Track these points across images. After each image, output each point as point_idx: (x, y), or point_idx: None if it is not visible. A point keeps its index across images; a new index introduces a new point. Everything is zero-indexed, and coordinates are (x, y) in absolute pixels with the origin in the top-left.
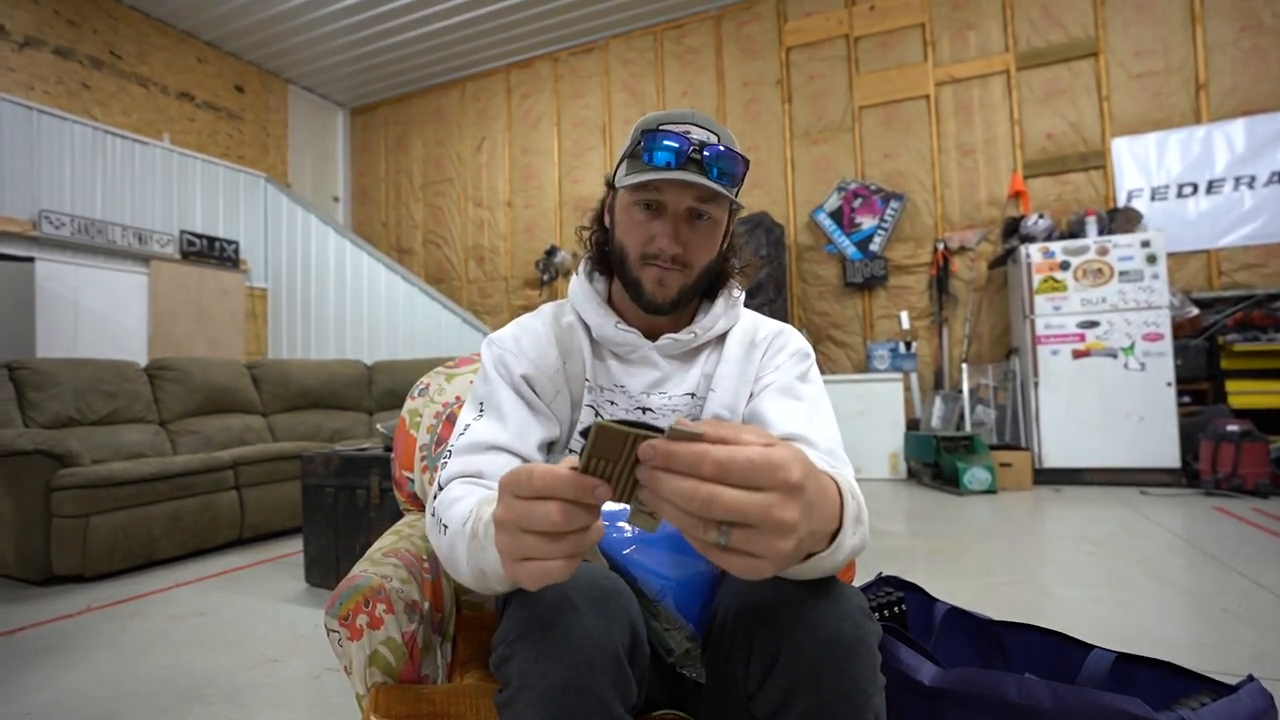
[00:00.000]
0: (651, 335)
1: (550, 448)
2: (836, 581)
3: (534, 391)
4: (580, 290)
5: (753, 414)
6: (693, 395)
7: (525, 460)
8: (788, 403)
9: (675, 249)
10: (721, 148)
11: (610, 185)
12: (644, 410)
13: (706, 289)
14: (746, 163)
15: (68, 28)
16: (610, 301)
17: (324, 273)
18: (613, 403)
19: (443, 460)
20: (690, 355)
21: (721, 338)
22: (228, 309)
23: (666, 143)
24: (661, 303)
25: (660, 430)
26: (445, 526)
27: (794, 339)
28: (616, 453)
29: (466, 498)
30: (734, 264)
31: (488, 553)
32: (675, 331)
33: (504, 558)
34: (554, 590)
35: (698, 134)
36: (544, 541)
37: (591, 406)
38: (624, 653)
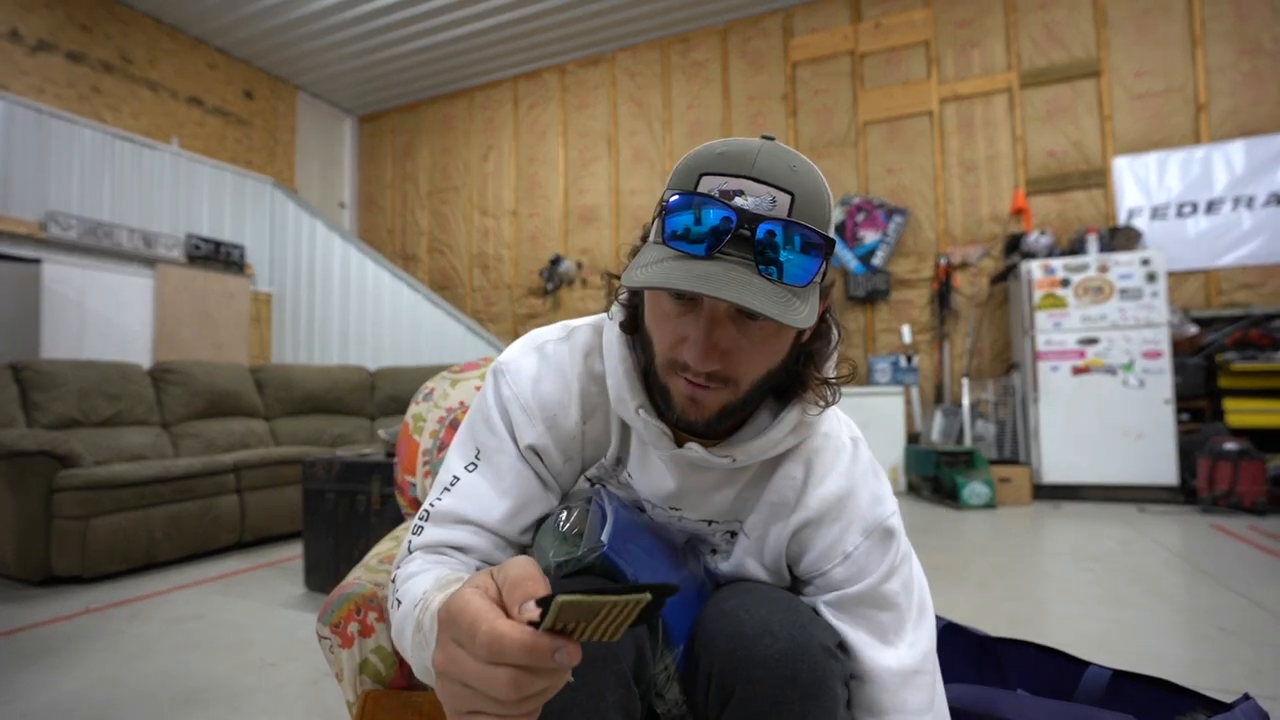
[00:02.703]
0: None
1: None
2: (804, 617)
3: (542, 462)
4: (613, 351)
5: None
6: (710, 523)
7: (507, 542)
8: (876, 617)
9: (711, 365)
10: (793, 223)
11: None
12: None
13: (771, 392)
14: (831, 243)
15: (80, 32)
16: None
17: (329, 278)
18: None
19: (419, 521)
20: (728, 475)
21: (775, 460)
22: (232, 313)
23: (705, 215)
24: (694, 422)
25: (642, 590)
26: (399, 602)
27: (866, 504)
28: (588, 619)
29: (425, 573)
30: (814, 371)
31: (429, 651)
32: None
33: (447, 710)
34: None
35: (754, 195)
36: (494, 704)
37: (591, 480)
38: (629, 671)
